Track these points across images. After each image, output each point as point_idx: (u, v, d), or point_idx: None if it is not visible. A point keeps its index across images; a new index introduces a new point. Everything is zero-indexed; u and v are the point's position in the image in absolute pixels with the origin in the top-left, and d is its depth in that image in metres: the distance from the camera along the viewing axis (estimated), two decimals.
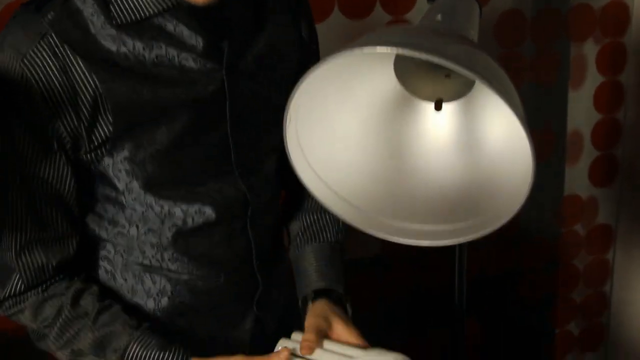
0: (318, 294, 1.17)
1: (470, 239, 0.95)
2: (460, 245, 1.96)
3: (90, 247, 1.11)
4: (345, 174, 0.99)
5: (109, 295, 1.10)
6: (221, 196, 1.10)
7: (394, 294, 2.23)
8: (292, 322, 1.30)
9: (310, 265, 1.20)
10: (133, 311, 1.09)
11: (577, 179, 2.40)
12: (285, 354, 0.99)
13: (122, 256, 1.09)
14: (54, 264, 1.04)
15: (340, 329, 1.09)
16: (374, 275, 2.19)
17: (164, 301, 1.11)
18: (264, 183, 1.17)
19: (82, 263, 1.10)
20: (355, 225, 0.99)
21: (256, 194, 1.15)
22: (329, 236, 1.23)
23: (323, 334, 1.08)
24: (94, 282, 1.10)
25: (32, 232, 1.02)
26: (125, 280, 1.11)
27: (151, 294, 1.10)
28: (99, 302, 1.06)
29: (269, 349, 1.18)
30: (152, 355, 1.03)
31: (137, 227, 1.07)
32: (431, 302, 2.23)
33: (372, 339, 1.12)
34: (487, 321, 2.42)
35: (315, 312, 1.12)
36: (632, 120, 2.35)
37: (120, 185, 1.04)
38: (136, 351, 1.03)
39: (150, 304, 1.10)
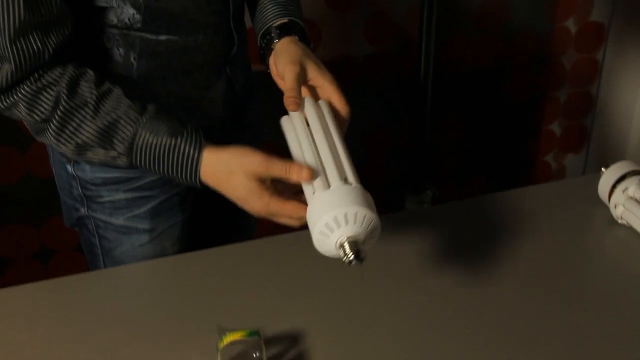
0: (281, 32, 1.12)
1: None
2: (428, 35, 1.91)
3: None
4: None
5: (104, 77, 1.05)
6: None
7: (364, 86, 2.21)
8: (254, 79, 1.35)
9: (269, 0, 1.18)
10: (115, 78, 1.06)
11: None
12: (306, 172, 0.94)
13: (99, 22, 1.05)
14: (51, 50, 0.99)
15: (315, 74, 1.04)
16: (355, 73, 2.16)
17: (142, 64, 1.09)
18: None
19: (73, 50, 1.06)
20: None
21: None
22: None
23: (302, 82, 1.03)
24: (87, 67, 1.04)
25: (27, 14, 0.95)
26: (104, 46, 1.07)
27: (128, 57, 1.08)
28: (96, 88, 1.00)
29: (239, 106, 1.27)
30: (163, 143, 0.99)
31: None
32: (403, 96, 2.22)
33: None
34: (470, 117, 2.41)
35: (288, 55, 1.05)
36: None
37: None
38: (146, 139, 1.00)
39: (129, 69, 1.08)
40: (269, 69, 1.10)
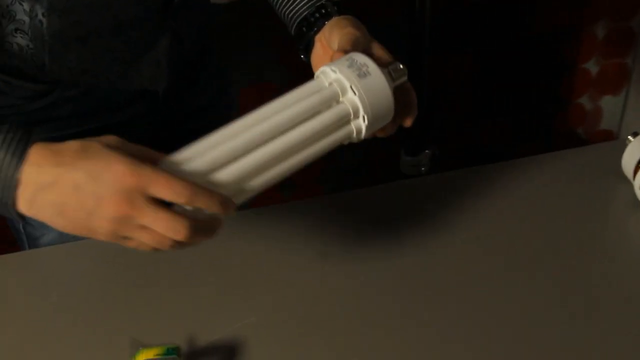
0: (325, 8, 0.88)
1: None
2: None
3: None
4: None
5: None
6: None
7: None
8: (209, 37, 1.11)
9: None
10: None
11: None
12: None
13: None
14: None
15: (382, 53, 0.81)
16: None
17: (55, 22, 0.88)
18: None
19: None
20: None
21: None
22: None
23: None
24: None
25: None
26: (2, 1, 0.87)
27: (35, 13, 0.88)
28: None
29: (192, 64, 1.05)
30: None
31: None
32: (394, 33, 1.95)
33: None
34: (481, 57, 2.17)
35: (349, 25, 0.83)
36: None
37: None
38: None
39: (37, 29, 0.88)
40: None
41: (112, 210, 0.65)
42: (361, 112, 0.74)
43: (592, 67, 2.35)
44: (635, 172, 0.97)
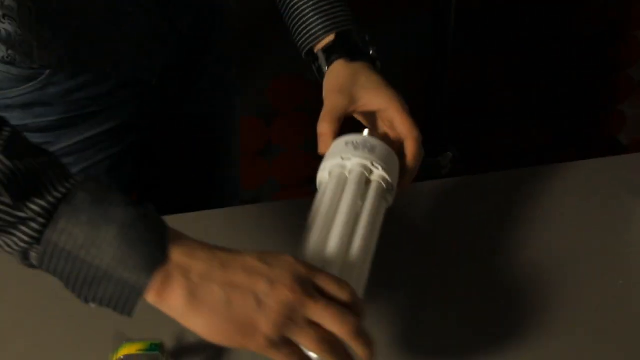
0: (328, 54, 0.90)
1: None
2: None
3: None
4: None
5: None
6: None
7: None
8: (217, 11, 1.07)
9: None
10: None
11: None
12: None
13: None
14: None
15: (368, 96, 0.84)
16: None
17: (43, 7, 0.85)
18: None
19: None
20: None
21: None
22: None
23: (340, 113, 0.83)
24: None
25: None
26: None
27: None
28: None
29: (191, 52, 1.00)
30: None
31: None
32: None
33: None
34: (506, 55, 2.10)
35: (329, 84, 0.87)
36: None
37: None
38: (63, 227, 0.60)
39: (23, 11, 0.86)
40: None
41: (285, 295, 0.58)
42: (389, 180, 0.78)
43: (636, 73, 2.27)
44: None
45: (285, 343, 0.59)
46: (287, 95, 1.94)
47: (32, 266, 0.60)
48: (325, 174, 0.79)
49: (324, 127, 0.82)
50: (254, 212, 0.98)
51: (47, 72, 0.89)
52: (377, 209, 0.76)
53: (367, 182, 0.77)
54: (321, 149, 0.82)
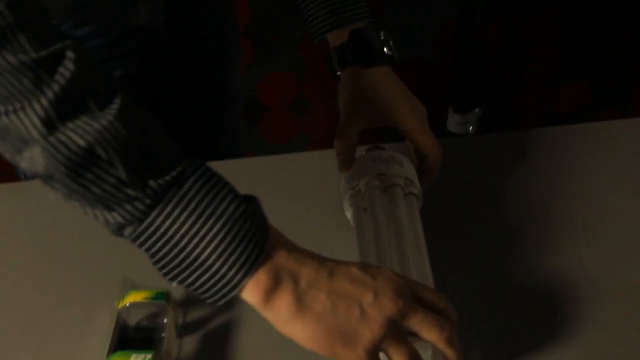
0: (340, 56, 0.89)
1: None
2: None
3: None
4: None
5: None
6: None
7: None
8: None
9: None
10: None
11: None
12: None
13: None
14: None
15: (382, 114, 0.85)
16: None
17: None
18: None
19: None
20: None
21: None
22: None
23: (354, 138, 0.84)
24: None
25: None
26: None
27: None
28: None
29: (186, 5, 0.97)
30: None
31: None
32: None
33: None
34: (566, 12, 2.03)
35: (343, 98, 0.88)
36: None
37: None
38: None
39: None
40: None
41: (388, 307, 0.59)
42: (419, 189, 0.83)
43: None
44: None
45: (378, 354, 0.60)
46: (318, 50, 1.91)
47: (120, 236, 0.58)
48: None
49: (344, 146, 0.83)
50: (283, 162, 0.97)
51: (54, 21, 0.88)
52: (417, 216, 0.80)
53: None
54: (342, 167, 0.83)
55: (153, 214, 0.56)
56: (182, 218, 0.56)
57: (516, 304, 0.77)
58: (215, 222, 0.56)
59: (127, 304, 0.73)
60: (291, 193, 0.90)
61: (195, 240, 0.56)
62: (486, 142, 1.02)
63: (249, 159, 1.01)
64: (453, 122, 1.60)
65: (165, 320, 0.73)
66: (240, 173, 0.93)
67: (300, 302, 0.58)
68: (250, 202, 0.59)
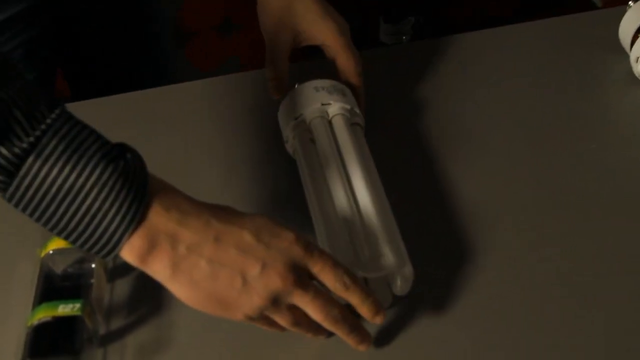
0: None
1: None
2: None
3: None
4: None
5: None
6: None
7: None
8: None
9: None
10: None
11: None
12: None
13: None
14: None
15: (309, 30, 0.81)
16: None
17: None
18: None
19: None
20: None
21: None
22: None
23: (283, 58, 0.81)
24: None
25: None
26: None
27: None
28: None
29: None
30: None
31: None
32: None
33: None
34: None
35: (264, 16, 0.83)
36: None
37: None
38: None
39: None
40: None
41: (274, 282, 0.56)
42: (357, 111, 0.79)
43: None
44: (632, 43, 0.85)
45: (263, 317, 0.59)
46: None
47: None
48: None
49: (273, 71, 0.80)
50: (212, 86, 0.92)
51: None
52: (365, 147, 0.76)
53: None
54: (274, 93, 0.80)
55: (11, 189, 0.52)
56: (45, 185, 0.51)
57: (462, 214, 0.74)
58: (83, 185, 0.52)
59: (51, 251, 0.68)
60: (227, 117, 0.86)
61: (65, 204, 0.52)
62: (418, 49, 0.98)
63: (179, 85, 0.94)
64: (386, 32, 1.55)
65: (93, 266, 0.68)
66: (170, 100, 0.89)
67: (176, 267, 0.55)
68: (121, 156, 0.54)
